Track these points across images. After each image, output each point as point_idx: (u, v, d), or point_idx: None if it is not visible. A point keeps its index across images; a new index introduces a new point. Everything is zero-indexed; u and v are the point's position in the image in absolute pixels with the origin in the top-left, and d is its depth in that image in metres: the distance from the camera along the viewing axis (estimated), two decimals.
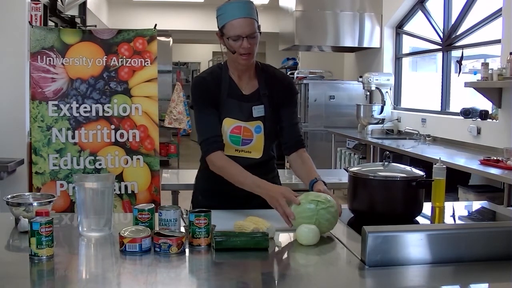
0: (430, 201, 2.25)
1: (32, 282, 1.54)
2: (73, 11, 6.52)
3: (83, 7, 7.34)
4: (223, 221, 1.93)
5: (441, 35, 5.97)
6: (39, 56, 3.46)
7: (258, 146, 2.23)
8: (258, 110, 2.21)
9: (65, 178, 3.48)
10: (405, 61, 7.18)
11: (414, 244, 1.61)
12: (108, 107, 3.53)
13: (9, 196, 2.06)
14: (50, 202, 2.03)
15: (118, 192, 3.52)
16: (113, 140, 3.54)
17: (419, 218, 2.12)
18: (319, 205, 1.86)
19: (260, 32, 2.15)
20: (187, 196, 2.61)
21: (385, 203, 2.08)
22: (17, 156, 4.23)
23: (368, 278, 1.57)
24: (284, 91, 2.28)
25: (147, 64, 3.59)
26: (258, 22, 2.14)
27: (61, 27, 5.55)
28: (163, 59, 8.74)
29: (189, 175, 2.49)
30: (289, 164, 2.34)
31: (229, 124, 2.19)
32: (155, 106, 3.61)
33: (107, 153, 3.53)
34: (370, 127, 6.58)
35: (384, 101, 6.72)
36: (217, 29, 2.17)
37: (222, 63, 2.29)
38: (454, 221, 2.26)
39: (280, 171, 2.53)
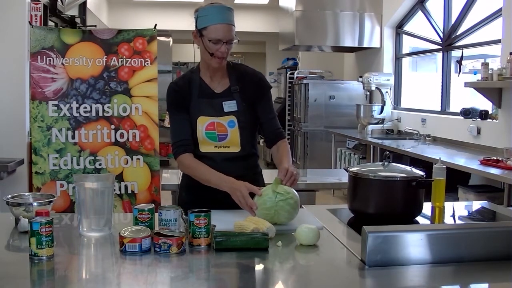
0: (430, 201, 2.25)
1: (32, 282, 1.54)
2: (73, 11, 6.52)
3: (83, 7, 7.34)
4: (223, 221, 1.93)
5: (441, 35, 5.97)
6: (39, 56, 3.45)
7: (235, 140, 2.29)
8: (229, 105, 2.29)
9: (65, 178, 3.48)
10: (405, 61, 7.18)
11: (414, 244, 1.61)
12: (108, 107, 3.53)
13: (9, 196, 2.06)
14: (50, 202, 2.03)
15: (118, 192, 3.51)
16: (113, 140, 3.53)
17: (419, 218, 2.12)
18: (278, 197, 1.96)
19: (238, 40, 2.25)
20: None
21: (385, 203, 2.08)
22: (17, 156, 4.23)
23: (368, 278, 1.57)
24: (255, 86, 2.35)
25: (147, 64, 3.58)
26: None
27: (61, 27, 5.55)
28: (163, 59, 8.73)
29: None
30: (272, 156, 2.43)
31: (203, 122, 2.27)
32: (155, 106, 3.61)
33: (107, 153, 3.52)
34: (370, 127, 6.58)
35: (384, 101, 6.72)
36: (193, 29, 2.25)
37: (195, 67, 2.39)
38: (454, 221, 2.26)
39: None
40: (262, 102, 2.36)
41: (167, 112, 2.41)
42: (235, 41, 2.22)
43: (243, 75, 2.35)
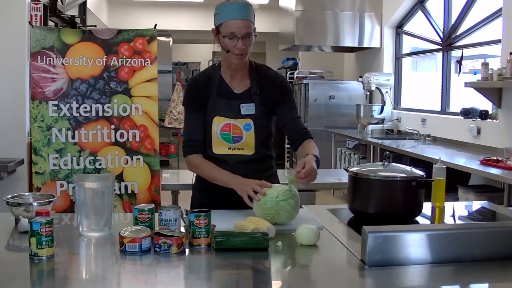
0: (430, 201, 2.25)
1: (32, 282, 1.54)
2: (73, 11, 6.52)
3: (83, 7, 7.33)
4: (223, 221, 1.93)
5: (441, 35, 5.97)
6: (39, 56, 3.45)
7: (249, 143, 2.26)
8: (247, 108, 2.25)
9: (65, 178, 3.48)
10: (405, 61, 7.18)
11: (414, 244, 1.61)
12: (108, 107, 3.53)
13: (9, 196, 2.06)
14: (50, 202, 2.03)
15: (118, 192, 3.51)
16: (113, 140, 3.53)
17: (419, 218, 2.12)
18: (279, 197, 1.96)
19: (256, 35, 2.19)
20: (187, 196, 2.61)
21: (385, 203, 2.08)
22: (17, 156, 4.23)
23: (368, 278, 1.57)
24: (276, 90, 2.30)
25: (147, 64, 3.58)
26: (254, 25, 2.19)
27: (61, 27, 5.55)
28: (163, 59, 8.73)
29: (189, 175, 2.50)
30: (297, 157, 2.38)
31: (218, 122, 2.24)
32: (155, 106, 3.61)
33: (107, 153, 3.52)
34: (370, 127, 6.58)
35: (384, 101, 6.72)
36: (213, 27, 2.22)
37: (217, 63, 2.34)
38: (454, 221, 2.26)
39: (280, 171, 2.53)
40: (283, 105, 2.30)
41: (183, 107, 2.39)
42: (252, 35, 2.15)
43: (265, 78, 2.30)
